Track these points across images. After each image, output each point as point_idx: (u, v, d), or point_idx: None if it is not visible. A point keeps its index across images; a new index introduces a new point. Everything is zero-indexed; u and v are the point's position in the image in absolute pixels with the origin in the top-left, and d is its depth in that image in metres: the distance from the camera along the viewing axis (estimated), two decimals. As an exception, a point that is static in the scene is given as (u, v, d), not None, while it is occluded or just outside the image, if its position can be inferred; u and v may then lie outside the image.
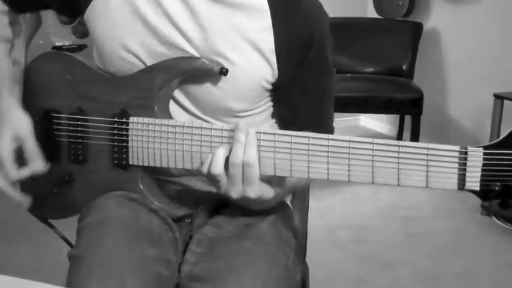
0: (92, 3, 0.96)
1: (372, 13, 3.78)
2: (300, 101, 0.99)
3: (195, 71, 0.92)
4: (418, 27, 3.43)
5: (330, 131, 1.03)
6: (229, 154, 0.83)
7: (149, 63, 0.94)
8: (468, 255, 2.29)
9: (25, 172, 0.96)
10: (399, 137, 3.72)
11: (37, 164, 0.97)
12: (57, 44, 2.98)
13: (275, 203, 0.97)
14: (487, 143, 0.76)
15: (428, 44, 3.51)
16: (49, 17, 2.79)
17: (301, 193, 1.25)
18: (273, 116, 1.05)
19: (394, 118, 3.87)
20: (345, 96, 3.05)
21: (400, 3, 3.52)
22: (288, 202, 1.13)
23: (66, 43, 2.99)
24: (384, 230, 2.52)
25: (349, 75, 3.39)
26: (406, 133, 3.51)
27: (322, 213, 2.66)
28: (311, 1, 0.97)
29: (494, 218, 2.57)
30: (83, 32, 3.00)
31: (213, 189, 1.04)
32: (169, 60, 0.93)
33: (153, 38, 0.94)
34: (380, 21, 3.67)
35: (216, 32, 0.92)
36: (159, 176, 1.03)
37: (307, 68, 0.95)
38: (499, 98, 2.54)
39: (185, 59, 0.92)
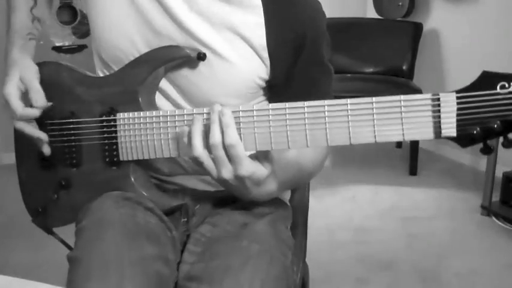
0: None
1: (371, 13, 3.78)
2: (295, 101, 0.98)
3: (174, 59, 0.93)
4: (418, 28, 3.43)
5: None
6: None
7: (141, 51, 0.96)
8: (468, 255, 2.29)
9: (31, 111, 0.97)
10: (399, 137, 3.72)
11: (40, 102, 0.97)
12: (57, 44, 2.98)
13: (276, 190, 0.94)
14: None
15: (428, 44, 3.52)
16: (49, 17, 2.80)
17: (301, 193, 1.25)
18: None
19: (394, 118, 3.86)
20: (345, 96, 3.05)
21: (400, 3, 3.52)
22: (287, 201, 1.13)
23: (66, 43, 2.99)
24: (384, 231, 2.52)
25: (349, 75, 3.39)
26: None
27: (322, 213, 2.66)
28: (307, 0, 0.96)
29: (494, 218, 2.57)
30: (83, 32, 3.00)
31: (210, 188, 1.04)
32: (148, 52, 0.95)
33: (148, 29, 0.95)
34: (380, 21, 3.67)
35: (211, 27, 0.92)
36: (153, 173, 1.04)
37: (302, 66, 0.94)
38: (499, 98, 2.54)
39: (163, 48, 0.94)
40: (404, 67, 3.40)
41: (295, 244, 1.07)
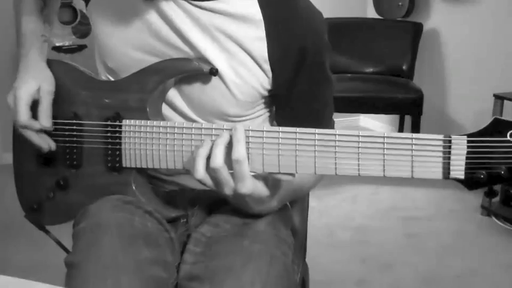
0: None
1: (371, 13, 3.78)
2: (298, 111, 0.98)
3: (186, 72, 0.93)
4: (418, 28, 3.43)
5: None
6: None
7: (148, 59, 0.95)
8: (468, 256, 2.29)
9: (34, 123, 0.96)
10: (399, 137, 3.71)
11: (46, 122, 0.97)
12: (57, 44, 2.98)
13: (276, 206, 0.96)
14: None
15: (428, 44, 3.52)
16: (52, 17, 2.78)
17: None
18: (272, 123, 1.05)
19: (394, 118, 3.86)
20: (345, 96, 3.05)
21: (400, 3, 3.51)
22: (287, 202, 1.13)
23: (66, 43, 2.99)
24: (384, 231, 2.52)
25: (349, 75, 3.39)
26: (406, 133, 3.50)
27: (322, 213, 2.66)
28: (308, 10, 0.96)
29: (494, 218, 2.57)
30: (83, 32, 2.99)
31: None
32: (161, 62, 0.94)
33: (153, 38, 0.95)
34: (380, 21, 3.66)
35: (213, 39, 0.93)
36: (154, 173, 1.03)
37: (304, 78, 0.95)
38: (499, 98, 2.54)
39: (176, 60, 0.94)
40: (404, 67, 3.40)
41: (295, 244, 1.07)
